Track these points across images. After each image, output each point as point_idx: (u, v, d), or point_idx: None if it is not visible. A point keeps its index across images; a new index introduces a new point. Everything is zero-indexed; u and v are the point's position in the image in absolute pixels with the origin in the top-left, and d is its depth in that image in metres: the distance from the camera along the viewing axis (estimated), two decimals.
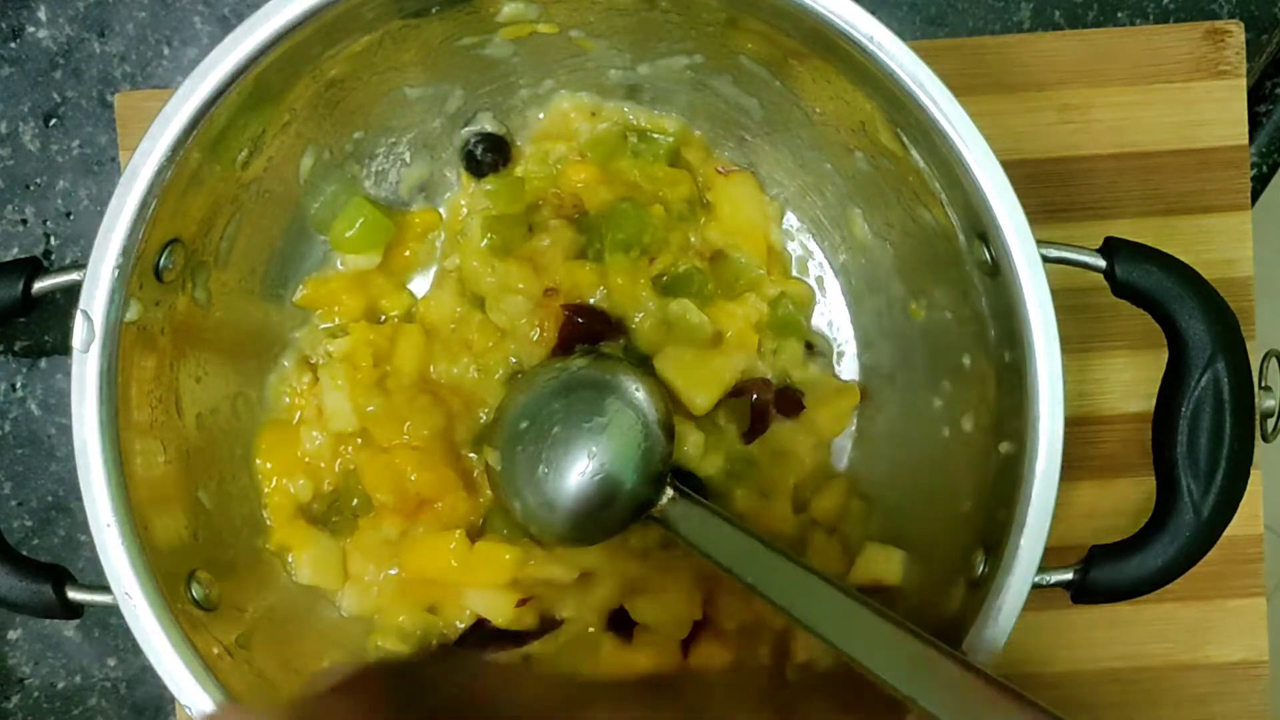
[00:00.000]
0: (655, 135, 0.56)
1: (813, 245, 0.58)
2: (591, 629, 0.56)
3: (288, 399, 0.56)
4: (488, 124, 0.56)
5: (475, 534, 0.55)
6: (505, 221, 0.55)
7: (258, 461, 0.55)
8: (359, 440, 0.55)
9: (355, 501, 0.55)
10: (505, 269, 0.55)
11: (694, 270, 0.56)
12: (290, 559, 0.55)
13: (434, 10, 0.49)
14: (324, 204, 0.55)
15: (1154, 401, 0.48)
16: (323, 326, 0.56)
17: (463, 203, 0.57)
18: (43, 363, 0.61)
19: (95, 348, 0.45)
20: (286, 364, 0.56)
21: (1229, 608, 0.59)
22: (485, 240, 0.55)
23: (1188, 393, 0.46)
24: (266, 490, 0.55)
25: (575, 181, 0.56)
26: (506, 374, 0.55)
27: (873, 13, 0.44)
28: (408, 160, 0.57)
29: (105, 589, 0.45)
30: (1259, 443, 0.48)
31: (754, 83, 0.53)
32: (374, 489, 0.54)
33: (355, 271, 0.56)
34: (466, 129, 0.56)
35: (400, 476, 0.54)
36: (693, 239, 0.56)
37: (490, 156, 0.56)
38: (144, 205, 0.45)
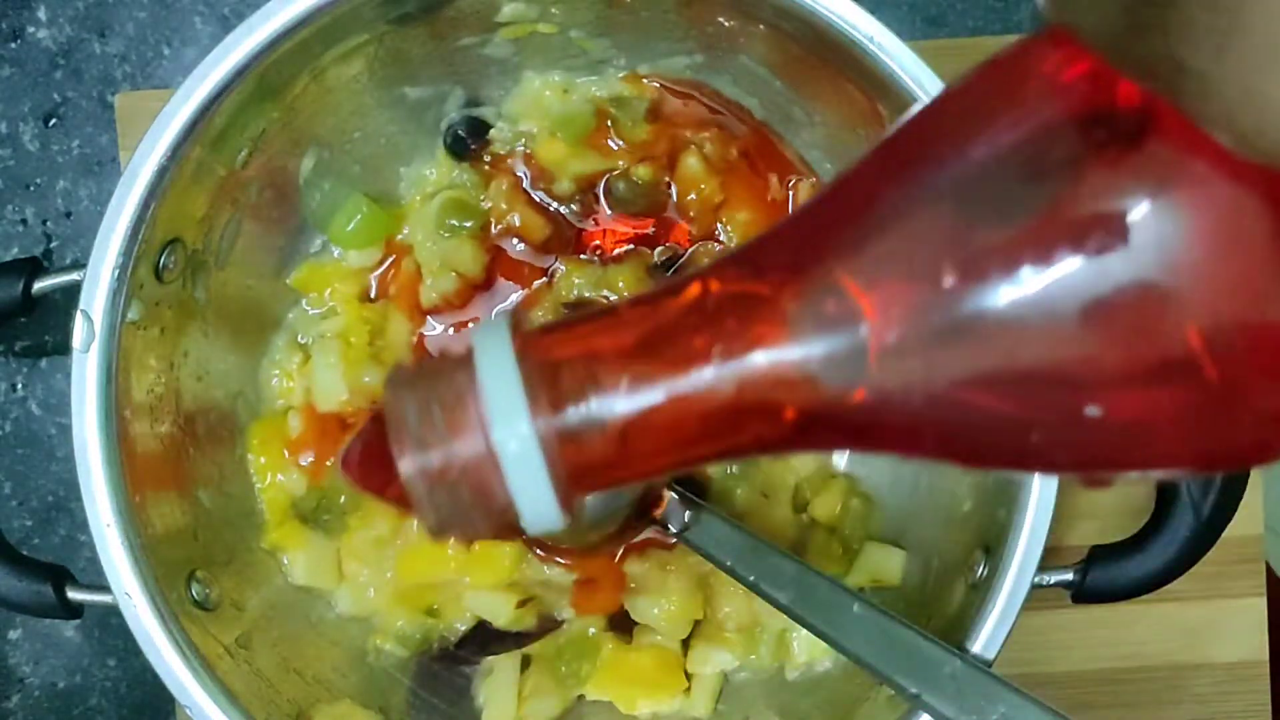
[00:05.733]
0: (632, 98, 0.56)
1: None
2: (592, 629, 0.56)
3: (277, 381, 0.56)
4: (488, 117, 0.56)
5: None
6: (465, 207, 0.55)
7: (250, 456, 0.55)
8: (345, 427, 0.55)
9: (343, 499, 0.55)
10: (455, 245, 0.55)
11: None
12: (285, 559, 0.54)
13: (432, 11, 0.49)
14: (322, 200, 0.55)
15: None
16: (312, 312, 0.56)
17: (429, 174, 0.57)
18: (43, 363, 0.61)
19: (95, 348, 0.45)
20: (280, 342, 0.56)
21: (1229, 608, 0.59)
22: (441, 220, 0.55)
23: None
24: (260, 486, 0.55)
25: (545, 159, 0.55)
26: None
27: (873, 13, 0.44)
28: (407, 159, 0.56)
29: (105, 589, 0.45)
30: None
31: (754, 83, 0.53)
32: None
33: (356, 266, 0.56)
34: (457, 112, 0.56)
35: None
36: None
37: (474, 141, 0.56)
38: (144, 205, 0.45)
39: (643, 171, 0.55)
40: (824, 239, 0.24)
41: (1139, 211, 0.21)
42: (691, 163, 0.55)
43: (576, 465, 0.24)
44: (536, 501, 0.24)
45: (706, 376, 0.23)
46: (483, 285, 0.56)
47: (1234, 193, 0.20)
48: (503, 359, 0.24)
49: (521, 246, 0.56)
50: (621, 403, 0.24)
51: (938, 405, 0.23)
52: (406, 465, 0.24)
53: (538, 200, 0.56)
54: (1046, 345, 0.22)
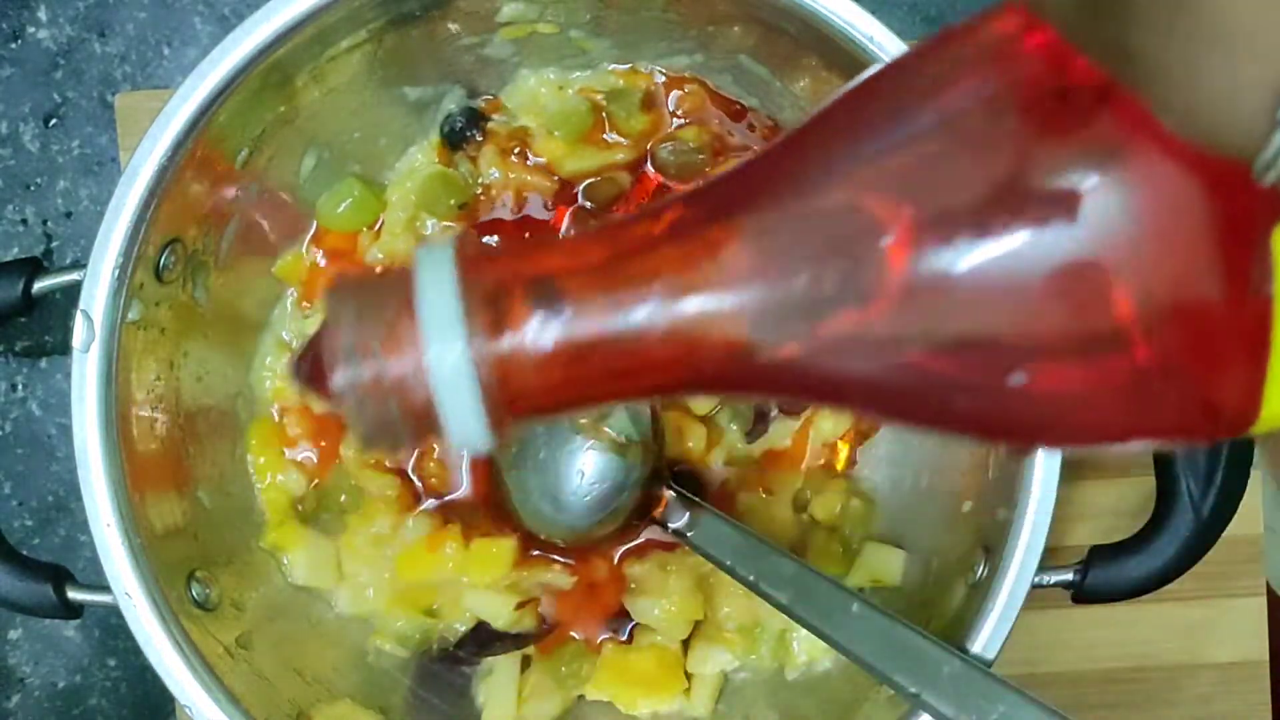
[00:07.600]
0: (627, 89, 0.55)
1: None
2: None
3: (270, 383, 0.56)
4: (487, 110, 0.56)
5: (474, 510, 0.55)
6: (452, 183, 0.55)
7: (250, 456, 0.55)
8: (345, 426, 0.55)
9: (343, 498, 0.55)
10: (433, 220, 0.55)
11: None
12: (285, 559, 0.54)
13: (432, 11, 0.49)
14: (314, 183, 0.54)
15: None
16: (293, 307, 0.56)
17: (419, 158, 0.56)
18: (43, 363, 0.61)
19: (95, 348, 0.45)
20: (269, 341, 0.56)
21: (1229, 608, 0.59)
22: (425, 191, 0.55)
23: None
24: (260, 486, 0.55)
25: (543, 156, 0.55)
26: None
27: (873, 13, 0.44)
28: (405, 156, 0.56)
29: (105, 589, 0.45)
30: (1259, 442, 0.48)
31: (754, 83, 0.53)
32: (361, 472, 0.54)
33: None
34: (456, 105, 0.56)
35: None
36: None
37: (470, 132, 0.56)
38: (144, 205, 0.45)
39: (690, 134, 0.55)
40: (775, 189, 0.23)
41: (1083, 186, 0.21)
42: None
43: (510, 390, 0.23)
44: (466, 423, 0.24)
45: (642, 311, 0.23)
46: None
47: (1173, 175, 0.21)
48: (443, 277, 0.23)
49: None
50: (556, 329, 0.23)
51: (868, 363, 0.23)
52: (339, 377, 0.23)
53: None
54: (983, 312, 0.22)
